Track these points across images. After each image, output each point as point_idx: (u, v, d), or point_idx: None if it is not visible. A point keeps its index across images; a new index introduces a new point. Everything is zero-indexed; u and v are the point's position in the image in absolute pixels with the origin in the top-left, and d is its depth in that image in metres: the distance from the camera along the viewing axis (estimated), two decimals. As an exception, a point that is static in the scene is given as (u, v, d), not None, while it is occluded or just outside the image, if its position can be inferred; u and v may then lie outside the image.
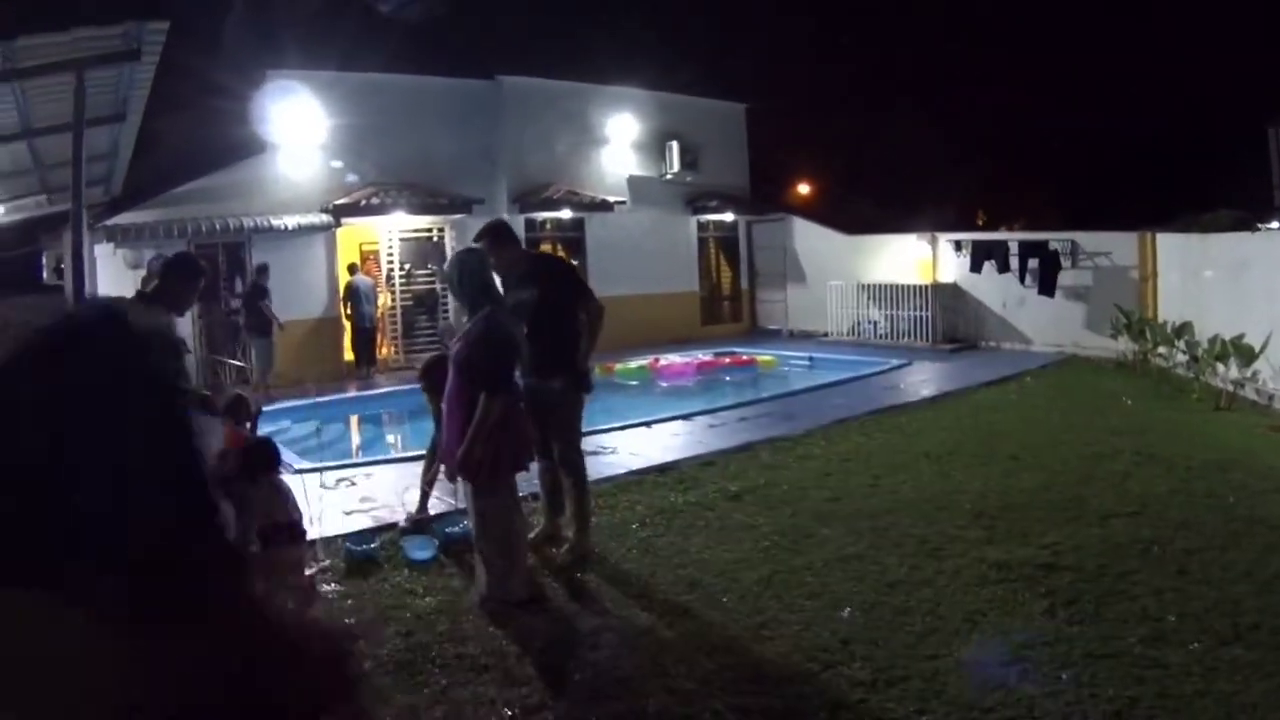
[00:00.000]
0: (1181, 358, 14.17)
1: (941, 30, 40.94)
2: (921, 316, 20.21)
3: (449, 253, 18.92)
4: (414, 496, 7.93)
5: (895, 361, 17.21)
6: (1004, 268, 19.14)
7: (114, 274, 15.81)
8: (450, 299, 18.56)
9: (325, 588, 6.37)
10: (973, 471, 9.00)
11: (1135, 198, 30.51)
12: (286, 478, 6.17)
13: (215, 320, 17.36)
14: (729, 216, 24.79)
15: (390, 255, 19.51)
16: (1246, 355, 12.15)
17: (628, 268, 21.23)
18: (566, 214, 21.35)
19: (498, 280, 6.57)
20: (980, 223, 34.01)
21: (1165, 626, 5.24)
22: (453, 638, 5.46)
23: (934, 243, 21.17)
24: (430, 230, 19.89)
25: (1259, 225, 14.33)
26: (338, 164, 18.67)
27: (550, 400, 6.79)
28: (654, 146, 23.23)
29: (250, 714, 1.07)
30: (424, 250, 19.97)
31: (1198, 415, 11.79)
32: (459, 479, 6.19)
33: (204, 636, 1.03)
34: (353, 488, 9.08)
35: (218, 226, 16.82)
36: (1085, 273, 18.31)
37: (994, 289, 19.68)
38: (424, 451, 8.30)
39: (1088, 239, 18.43)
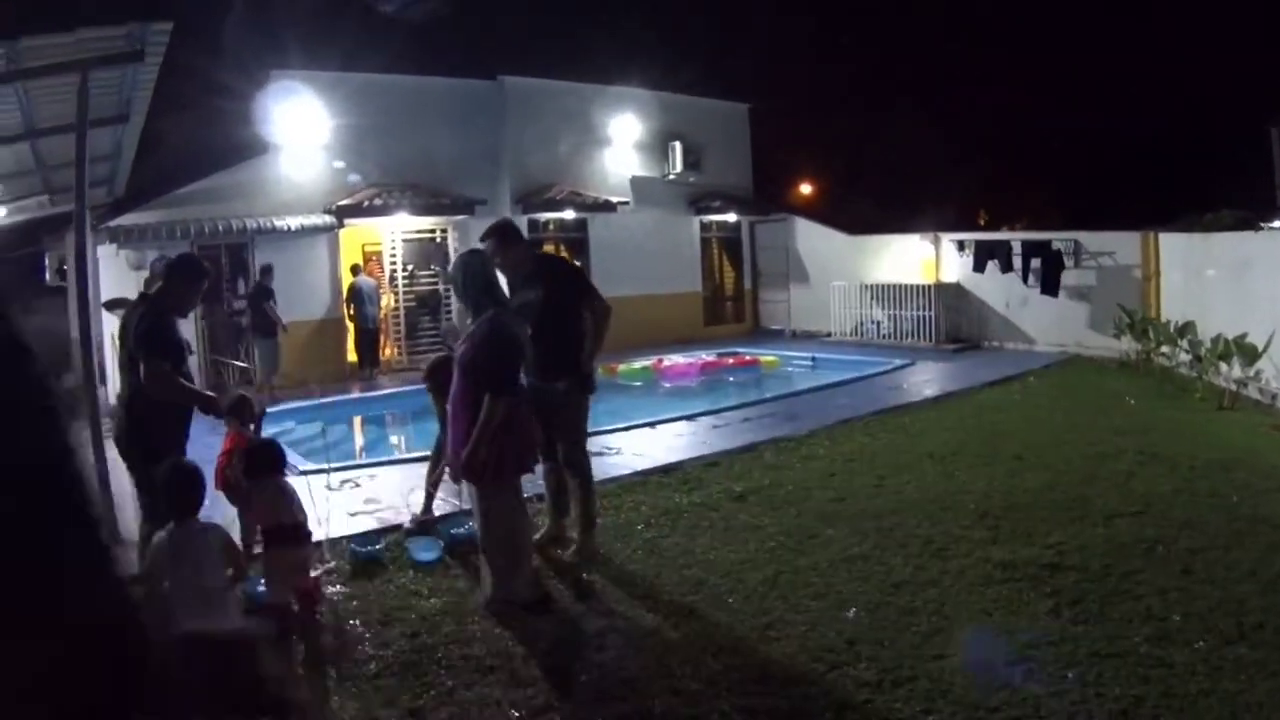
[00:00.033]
0: (1184, 357, 14.18)
1: (942, 30, 41.03)
2: (924, 316, 20.20)
3: (452, 254, 18.96)
4: (418, 498, 7.94)
5: (898, 361, 17.21)
6: (1007, 267, 19.15)
7: (117, 275, 15.81)
8: (453, 300, 18.59)
9: (330, 589, 6.38)
10: (977, 471, 9.00)
11: (1136, 197, 30.53)
12: (291, 479, 6.17)
13: (218, 321, 17.36)
14: (732, 217, 24.77)
15: (393, 256, 19.50)
16: (1249, 354, 12.16)
17: (631, 268, 21.22)
18: (569, 214, 21.35)
19: (503, 280, 6.58)
20: (982, 222, 34.06)
21: (1170, 626, 5.25)
22: (458, 639, 5.47)
23: (937, 243, 21.16)
24: (433, 231, 19.88)
25: (1261, 225, 14.31)
26: (340, 164, 18.67)
27: (555, 401, 6.78)
28: (657, 147, 23.23)
29: None
30: (427, 251, 19.95)
31: (1201, 415, 11.79)
32: (464, 480, 6.19)
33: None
34: (357, 489, 9.09)
35: (220, 227, 16.81)
36: (1088, 272, 18.29)
37: (997, 289, 19.68)
38: (428, 453, 8.32)
39: (1091, 239, 18.41)
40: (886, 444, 10.48)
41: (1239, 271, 13.49)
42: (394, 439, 14.78)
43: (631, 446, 10.62)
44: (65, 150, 10.06)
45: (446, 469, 6.82)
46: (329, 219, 18.23)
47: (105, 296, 13.76)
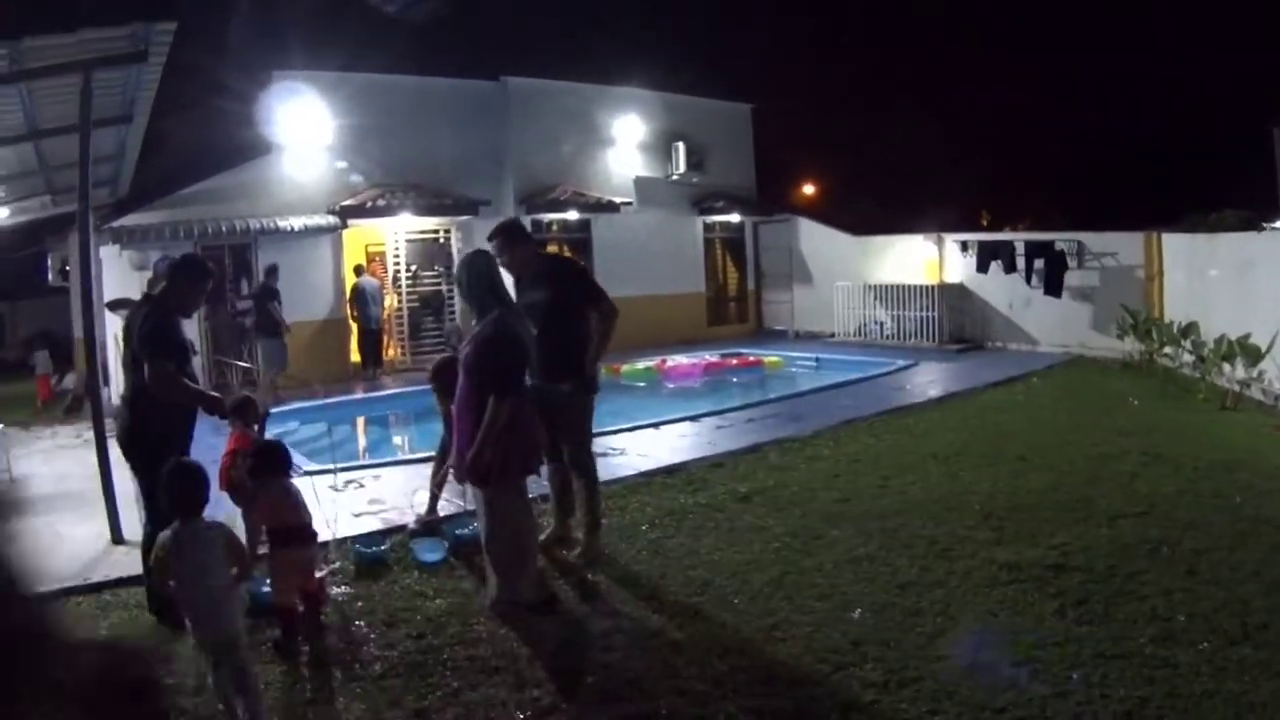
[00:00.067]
0: (1188, 358, 14.18)
1: (943, 30, 41.11)
2: (928, 317, 20.21)
3: (455, 254, 18.99)
4: (422, 499, 7.95)
5: (902, 362, 17.22)
6: (1010, 268, 19.14)
7: (120, 276, 15.84)
8: (456, 300, 18.62)
9: (335, 590, 6.39)
10: (981, 472, 9.00)
11: (1138, 197, 30.66)
12: (295, 479, 6.18)
13: (221, 322, 17.37)
14: (735, 217, 24.78)
15: (396, 257, 19.52)
16: (1253, 355, 12.15)
17: (634, 269, 21.20)
18: (573, 215, 21.37)
19: (510, 280, 6.57)
20: (985, 223, 34.04)
21: (1174, 626, 5.25)
22: (464, 640, 5.48)
23: (940, 243, 21.16)
24: (437, 232, 19.90)
25: (1265, 225, 14.30)
26: (342, 165, 18.69)
27: (559, 402, 6.76)
28: (660, 147, 23.26)
29: None
30: (430, 252, 19.98)
31: (1204, 415, 11.78)
32: (468, 482, 6.19)
33: None
34: (361, 490, 9.10)
35: (224, 228, 16.83)
36: (1091, 273, 18.28)
37: (1000, 289, 19.68)
38: (432, 453, 8.32)
39: (1094, 239, 18.40)
40: (891, 445, 10.48)
41: (1242, 272, 13.48)
42: (398, 439, 14.78)
43: (636, 447, 10.62)
44: (68, 151, 10.07)
45: (451, 470, 6.82)
46: (332, 219, 18.24)
47: (108, 297, 13.78)
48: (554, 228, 21.44)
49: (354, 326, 18.51)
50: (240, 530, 5.60)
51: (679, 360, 18.49)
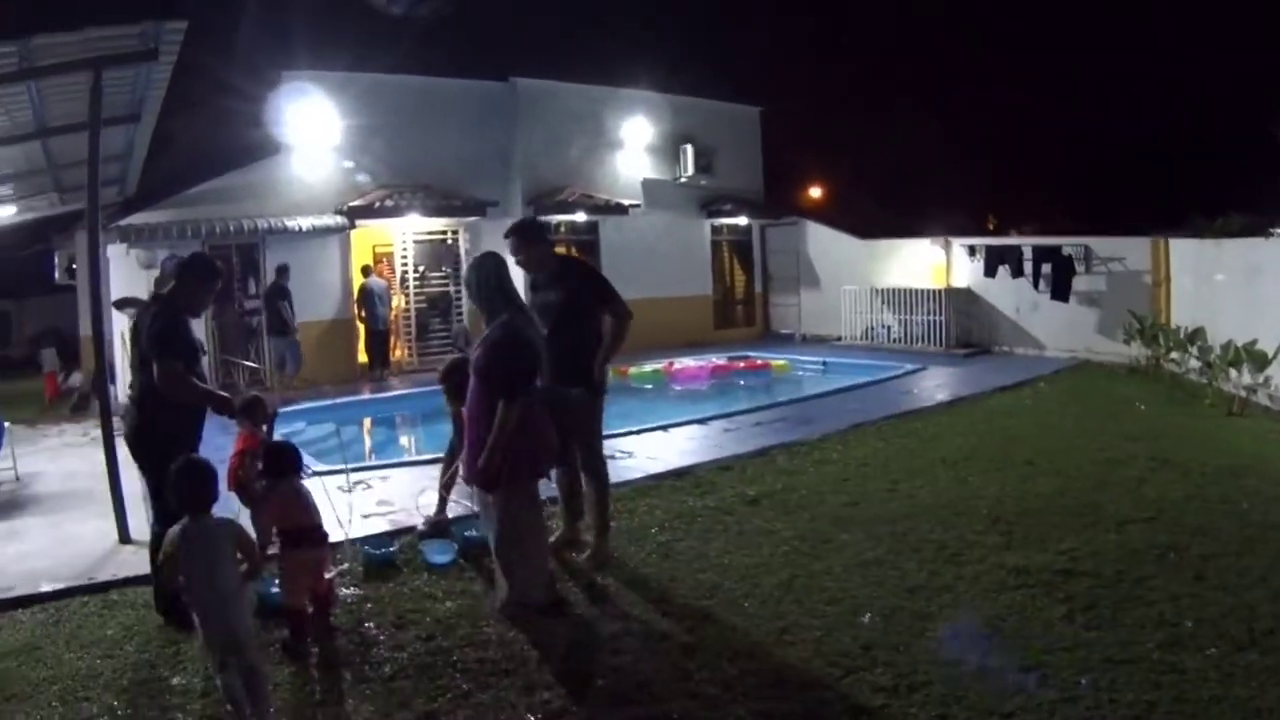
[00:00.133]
0: (1194, 363, 14.16)
1: (958, 33, 40.92)
2: (935, 321, 20.19)
3: (463, 255, 19.02)
4: (429, 500, 7.95)
5: (909, 366, 17.21)
6: (1018, 272, 19.15)
7: (127, 274, 15.87)
8: (464, 301, 18.64)
9: (344, 591, 6.39)
10: (989, 477, 9.01)
11: (1140, 198, 30.63)
12: (305, 480, 6.18)
13: (228, 321, 17.41)
14: (743, 220, 24.82)
15: (404, 257, 19.54)
16: (1259, 361, 12.14)
17: (641, 271, 21.12)
18: (581, 217, 21.38)
19: (521, 278, 6.57)
20: (991, 226, 34.00)
21: (1182, 632, 5.26)
22: (473, 642, 5.48)
23: (947, 247, 21.15)
24: (444, 233, 19.91)
25: (1272, 230, 14.28)
26: (349, 164, 18.71)
27: (567, 404, 6.77)
28: (668, 149, 23.29)
29: None
30: (438, 253, 20.01)
31: (1210, 421, 11.78)
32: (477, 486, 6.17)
33: None
34: (369, 490, 9.11)
35: (231, 228, 16.86)
36: (1099, 278, 18.27)
37: (1007, 294, 19.67)
38: (439, 454, 8.32)
39: (1101, 244, 18.39)
40: (899, 449, 10.48)
41: (1249, 277, 13.47)
42: (405, 440, 14.80)
43: (644, 450, 10.64)
44: (76, 149, 10.08)
45: (459, 471, 6.81)
46: (340, 220, 18.26)
47: (115, 296, 13.82)
48: (562, 229, 21.41)
49: (361, 327, 18.54)
50: (248, 530, 5.61)
51: (687, 363, 18.48)
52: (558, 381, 6.70)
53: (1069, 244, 18.67)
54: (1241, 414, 12.00)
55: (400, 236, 19.43)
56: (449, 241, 19.98)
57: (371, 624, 5.84)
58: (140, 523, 7.49)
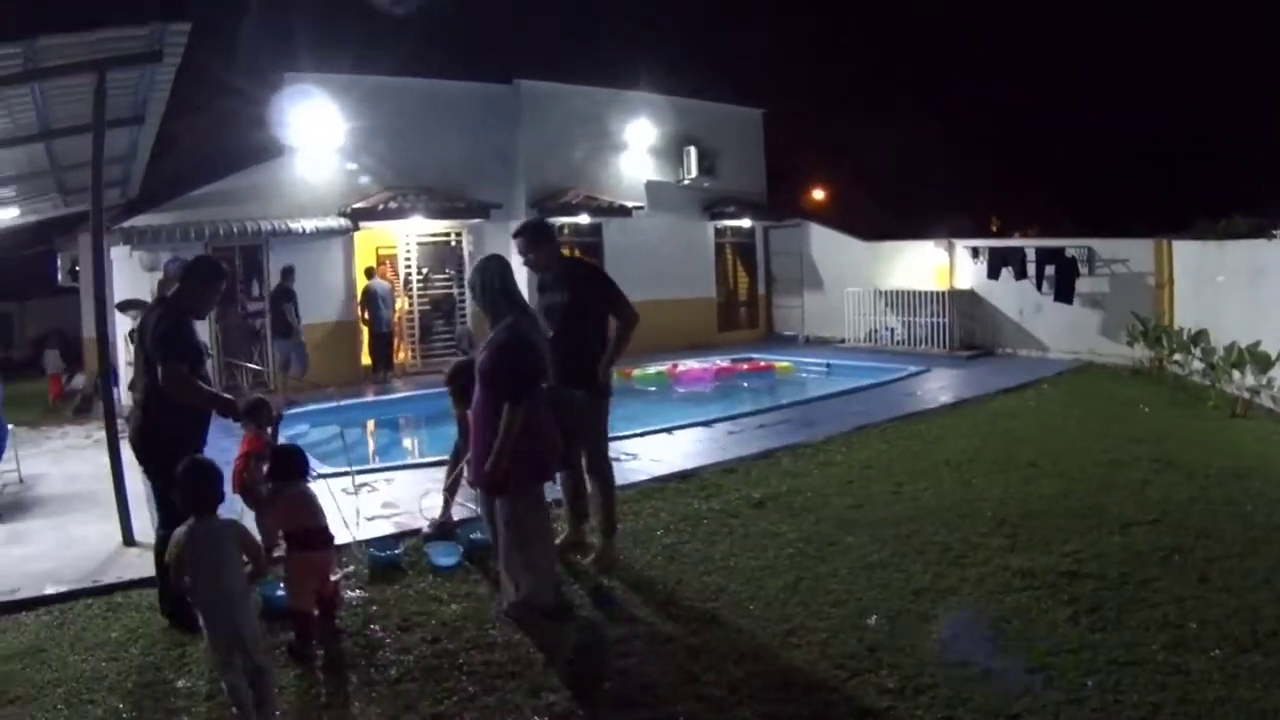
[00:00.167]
0: (1197, 365, 14.15)
1: (963, 35, 40.97)
2: (938, 323, 20.18)
3: (467, 257, 19.02)
4: (433, 502, 7.95)
5: (913, 368, 17.20)
6: (1021, 274, 19.16)
7: (130, 276, 15.86)
8: (468, 303, 18.64)
9: (350, 593, 6.40)
10: (993, 479, 9.02)
11: (1141, 198, 30.64)
12: (310, 483, 6.18)
13: (232, 323, 17.39)
14: (746, 222, 24.82)
15: (408, 259, 19.56)
16: (1262, 362, 12.13)
17: (645, 273, 21.01)
18: (584, 219, 21.36)
19: (525, 278, 6.57)
20: (995, 228, 34.00)
21: (1187, 633, 5.27)
22: (479, 645, 5.49)
23: (951, 249, 21.14)
24: (448, 235, 19.92)
25: (1275, 232, 14.25)
26: (353, 166, 18.72)
27: (571, 406, 6.77)
28: (672, 152, 23.27)
29: None
30: (441, 255, 20.01)
31: (1214, 422, 11.77)
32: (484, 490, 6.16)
33: None
34: (374, 493, 9.11)
35: (235, 230, 16.84)
36: (1102, 280, 18.26)
37: (1011, 296, 19.66)
38: (443, 457, 8.33)
39: (1104, 246, 18.38)
40: (903, 451, 10.49)
41: (1253, 279, 13.45)
42: (409, 443, 14.80)
43: (649, 452, 10.64)
44: (79, 151, 10.07)
45: (464, 473, 6.81)
46: (344, 222, 18.26)
47: (118, 297, 13.81)
48: (565, 231, 21.31)
49: (365, 329, 18.53)
50: (253, 531, 5.61)
51: (690, 365, 18.47)
52: (562, 383, 6.67)
53: (1072, 246, 18.66)
54: (1245, 416, 11.99)
55: (404, 238, 19.45)
56: (452, 243, 19.99)
57: (377, 626, 5.84)
58: (144, 525, 7.48)
